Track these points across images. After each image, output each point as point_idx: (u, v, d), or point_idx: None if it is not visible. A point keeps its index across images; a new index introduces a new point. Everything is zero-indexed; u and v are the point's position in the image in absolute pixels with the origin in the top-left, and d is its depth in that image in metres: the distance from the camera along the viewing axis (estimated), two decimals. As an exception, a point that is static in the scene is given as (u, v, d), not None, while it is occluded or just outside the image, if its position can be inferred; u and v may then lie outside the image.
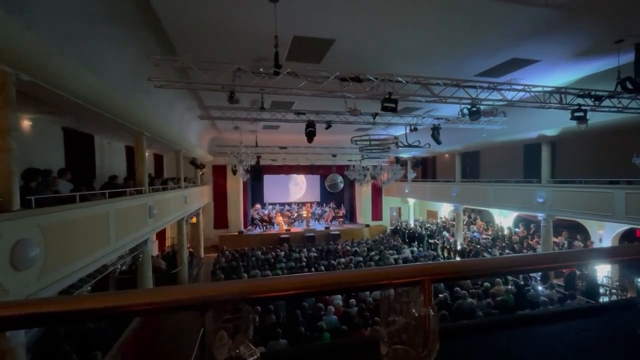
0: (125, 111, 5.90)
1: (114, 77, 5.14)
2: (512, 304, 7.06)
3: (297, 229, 18.50)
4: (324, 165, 18.87)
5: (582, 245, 10.19)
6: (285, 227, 18.21)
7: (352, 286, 0.86)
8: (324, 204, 21.81)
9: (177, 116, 9.22)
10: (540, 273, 9.19)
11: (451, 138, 12.62)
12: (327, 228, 18.47)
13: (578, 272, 8.91)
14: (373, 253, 12.29)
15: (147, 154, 8.25)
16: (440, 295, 7.12)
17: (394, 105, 5.89)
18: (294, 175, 21.96)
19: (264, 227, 18.30)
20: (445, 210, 18.46)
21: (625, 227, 9.67)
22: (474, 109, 6.91)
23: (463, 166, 15.06)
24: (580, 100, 6.96)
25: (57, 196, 4.52)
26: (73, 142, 7.22)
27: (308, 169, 19.62)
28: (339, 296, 7.20)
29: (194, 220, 14.82)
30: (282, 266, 10.62)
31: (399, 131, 12.89)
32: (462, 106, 7.21)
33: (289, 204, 21.29)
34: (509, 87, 6.80)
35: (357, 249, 12.84)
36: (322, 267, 10.31)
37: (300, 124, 9.07)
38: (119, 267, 7.72)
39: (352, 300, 7.08)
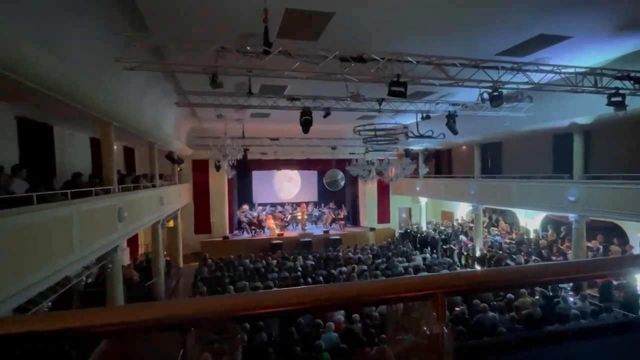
0: (89, 97, 5.91)
1: (76, 58, 5.11)
2: (540, 318, 7.13)
3: (291, 233, 18.50)
4: (322, 159, 18.75)
5: (620, 250, 10.25)
6: (277, 231, 18.21)
7: (355, 300, 0.86)
8: (322, 205, 21.83)
9: (150, 103, 9.17)
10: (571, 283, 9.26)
11: (469, 127, 12.65)
12: (325, 232, 18.45)
13: (615, 282, 8.99)
14: (379, 261, 12.32)
15: (115, 147, 8.15)
16: (457, 309, 7.16)
17: (402, 90, 5.92)
18: (288, 172, 21.99)
19: (253, 232, 18.30)
20: (462, 210, 18.50)
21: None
22: (495, 93, 6.93)
23: (483, 160, 15.11)
24: (618, 83, 6.98)
25: (10, 197, 4.48)
26: (29, 134, 7.15)
27: (303, 164, 19.66)
28: (341, 311, 7.22)
29: (171, 224, 14.89)
30: (274, 277, 10.67)
31: (409, 119, 12.69)
32: (482, 90, 7.23)
33: (282, 205, 21.35)
34: (535, 68, 6.82)
35: (361, 256, 12.88)
36: (321, 278, 10.34)
37: (294, 111, 9.06)
38: (85, 279, 7.70)
39: (356, 316, 7.11)
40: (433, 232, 16.97)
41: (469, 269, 12.61)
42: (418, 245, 16.58)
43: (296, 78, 6.00)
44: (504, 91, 7.08)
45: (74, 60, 5.04)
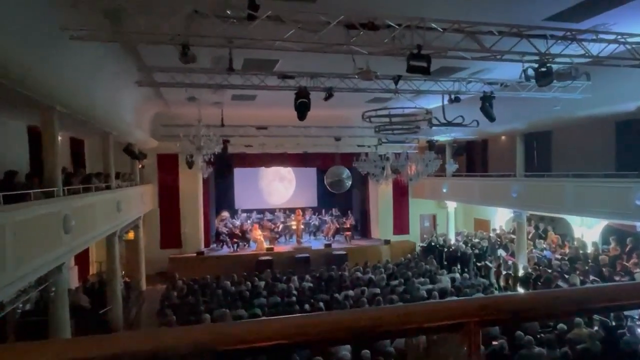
0: (26, 75, 5.90)
1: (7, 25, 5.10)
2: (599, 354, 7.12)
3: (283, 247, 18.43)
4: (323, 153, 18.68)
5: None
6: (265, 245, 18.18)
7: (365, 331, 0.85)
8: (323, 211, 21.67)
9: (105, 83, 9.20)
10: (640, 309, 9.26)
11: (510, 112, 12.67)
12: (327, 246, 18.41)
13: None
14: (396, 283, 12.37)
15: (60, 138, 8.20)
16: (494, 343, 7.17)
17: (425, 65, 5.94)
18: (279, 169, 21.99)
19: (235, 246, 18.32)
20: (501, 218, 18.51)
21: None
22: (542, 69, 6.96)
23: (527, 154, 15.09)
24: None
25: None
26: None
27: (299, 160, 19.63)
28: (347, 345, 7.17)
29: (131, 235, 14.89)
30: (262, 303, 10.68)
31: (433, 103, 12.82)
32: (526, 65, 7.24)
33: (272, 212, 21.27)
34: (594, 37, 6.84)
35: (373, 277, 12.95)
36: (322, 304, 10.35)
37: (288, 92, 9.05)
38: (21, 306, 7.70)
39: (366, 352, 7.10)
40: (464, 246, 16.91)
41: (509, 293, 12.46)
42: (445, 263, 16.57)
43: (290, 50, 6.05)
44: (554, 66, 7.16)
45: (4, 28, 5.03)
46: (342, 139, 17.02)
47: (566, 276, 11.87)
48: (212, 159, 14.07)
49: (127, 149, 13.14)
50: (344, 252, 17.88)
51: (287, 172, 22.84)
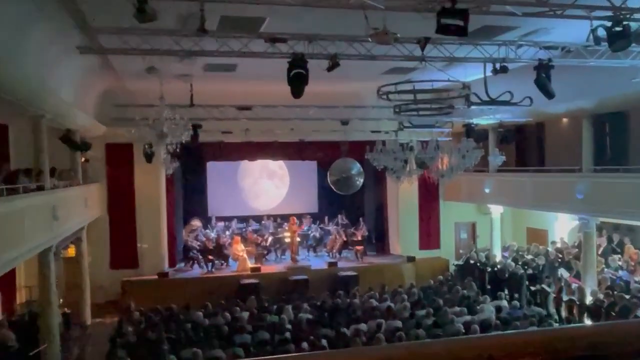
0: None
1: None
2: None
3: (273, 267, 18.29)
4: (326, 142, 18.59)
5: None
6: (250, 263, 18.08)
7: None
8: (326, 219, 21.49)
9: (34, 48, 9.07)
10: None
11: (574, 87, 12.55)
12: (332, 265, 18.30)
13: None
14: (423, 313, 12.32)
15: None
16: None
17: (461, 24, 5.93)
18: (267, 163, 21.84)
19: (210, 265, 18.19)
20: (562, 227, 18.31)
21: None
22: (617, 28, 6.88)
23: (597, 142, 14.93)
24: None
25: None
26: None
27: (294, 151, 19.55)
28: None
29: (72, 252, 14.89)
30: (246, 341, 10.66)
31: (472, 74, 12.83)
32: (596, 24, 7.17)
33: (258, 220, 21.11)
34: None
35: (392, 305, 12.91)
36: (325, 342, 10.34)
37: (278, 61, 8.99)
38: None
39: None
40: (513, 265, 16.54)
41: (573, 325, 12.10)
42: (488, 287, 16.37)
43: (281, 4, 6.04)
44: (633, 25, 7.05)
45: None
46: (350, 122, 16.82)
47: (650, 304, 11.73)
48: (178, 150, 14.03)
49: (66, 137, 13.02)
50: (354, 273, 17.74)
51: (277, 168, 22.68)
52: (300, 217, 20.96)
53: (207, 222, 21.08)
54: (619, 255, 15.64)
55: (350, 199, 21.01)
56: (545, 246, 18.07)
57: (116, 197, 17.96)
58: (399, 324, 11.47)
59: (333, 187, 19.39)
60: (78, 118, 13.41)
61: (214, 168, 20.99)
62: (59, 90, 11.24)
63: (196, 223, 20.27)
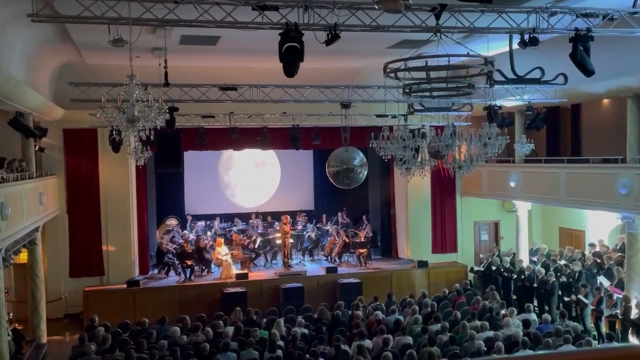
0: None
1: None
2: None
3: (262, 273, 18.87)
4: (323, 127, 18.72)
5: None
6: (235, 269, 18.33)
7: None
8: (324, 217, 22.15)
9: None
10: None
11: (616, 62, 12.86)
12: (331, 271, 18.58)
13: None
14: (437, 327, 12.45)
15: None
16: None
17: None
18: (255, 152, 21.88)
19: (188, 272, 18.06)
20: (601, 228, 18.49)
21: None
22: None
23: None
24: None
25: None
26: None
27: (287, 138, 19.14)
28: None
29: (24, 257, 15.12)
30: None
31: (496, 47, 13.02)
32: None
33: (244, 218, 21.40)
34: None
35: (401, 319, 13.17)
36: (323, 361, 10.60)
37: (268, 33, 8.99)
38: None
39: None
40: (543, 271, 16.56)
41: (617, 344, 12.15)
42: (514, 297, 16.84)
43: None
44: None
45: None
46: (352, 105, 16.56)
47: None
48: (151, 138, 13.47)
49: (16, 122, 13.24)
50: (357, 280, 17.82)
51: (267, 158, 22.83)
52: (293, 215, 21.42)
53: (184, 221, 21.27)
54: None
55: (351, 194, 21.18)
56: (581, 250, 18.11)
57: (77, 193, 17.90)
58: (409, 340, 11.77)
59: (332, 181, 18.83)
60: (30, 98, 13.43)
61: (193, 158, 20.94)
62: (6, 65, 11.34)
63: (172, 222, 20.62)
